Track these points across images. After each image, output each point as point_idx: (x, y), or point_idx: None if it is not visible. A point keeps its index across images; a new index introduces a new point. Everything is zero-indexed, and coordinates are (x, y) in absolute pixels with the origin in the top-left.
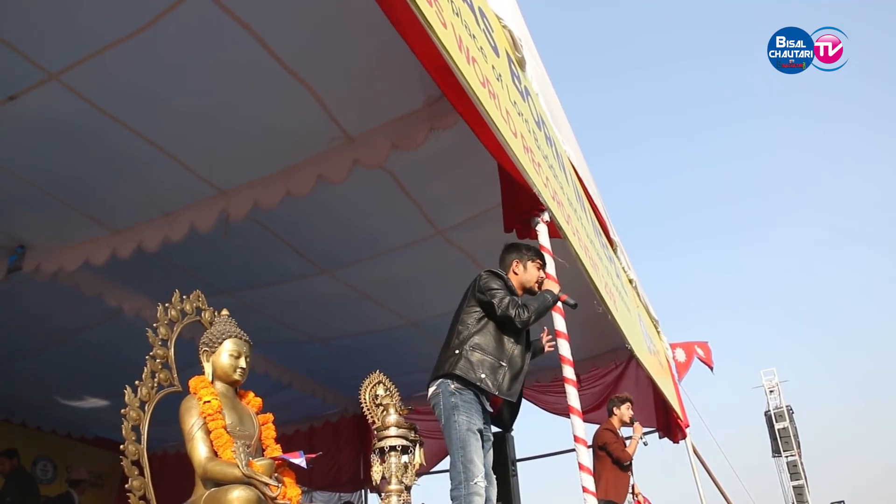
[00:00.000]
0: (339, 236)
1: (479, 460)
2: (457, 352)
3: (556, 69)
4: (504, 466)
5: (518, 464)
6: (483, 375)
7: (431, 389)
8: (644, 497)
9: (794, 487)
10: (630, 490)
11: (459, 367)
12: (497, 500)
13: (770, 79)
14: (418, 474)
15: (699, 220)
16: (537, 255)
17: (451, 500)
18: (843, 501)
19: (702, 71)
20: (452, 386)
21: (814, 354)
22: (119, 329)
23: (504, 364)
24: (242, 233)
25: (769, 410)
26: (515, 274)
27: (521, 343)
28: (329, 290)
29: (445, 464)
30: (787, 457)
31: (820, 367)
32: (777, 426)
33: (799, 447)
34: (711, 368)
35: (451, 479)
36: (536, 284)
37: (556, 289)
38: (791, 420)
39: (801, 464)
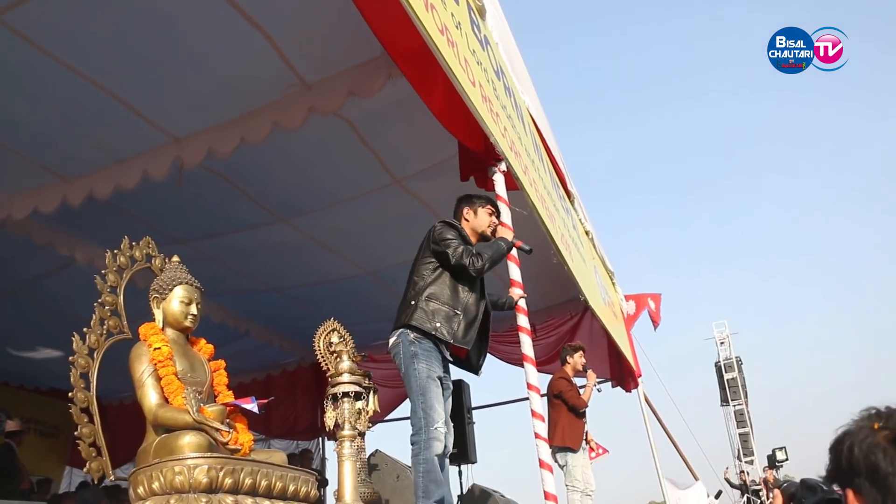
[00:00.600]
0: (296, 185)
1: (440, 407)
2: (413, 303)
3: (520, 23)
4: (460, 414)
5: (474, 412)
6: (438, 325)
7: (392, 339)
8: (597, 444)
9: (739, 435)
10: (584, 437)
11: (416, 318)
12: (453, 448)
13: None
14: (373, 421)
15: (659, 175)
16: (489, 201)
17: (412, 444)
18: (783, 447)
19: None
20: (411, 335)
21: (764, 307)
22: (72, 279)
23: (459, 312)
24: (198, 181)
25: (719, 361)
26: (467, 220)
27: (476, 291)
28: (286, 239)
29: (401, 411)
30: (734, 406)
31: (768, 320)
32: (726, 376)
33: (746, 397)
34: (656, 326)
35: (412, 425)
36: (489, 230)
37: (509, 235)
38: (740, 371)
39: (748, 412)
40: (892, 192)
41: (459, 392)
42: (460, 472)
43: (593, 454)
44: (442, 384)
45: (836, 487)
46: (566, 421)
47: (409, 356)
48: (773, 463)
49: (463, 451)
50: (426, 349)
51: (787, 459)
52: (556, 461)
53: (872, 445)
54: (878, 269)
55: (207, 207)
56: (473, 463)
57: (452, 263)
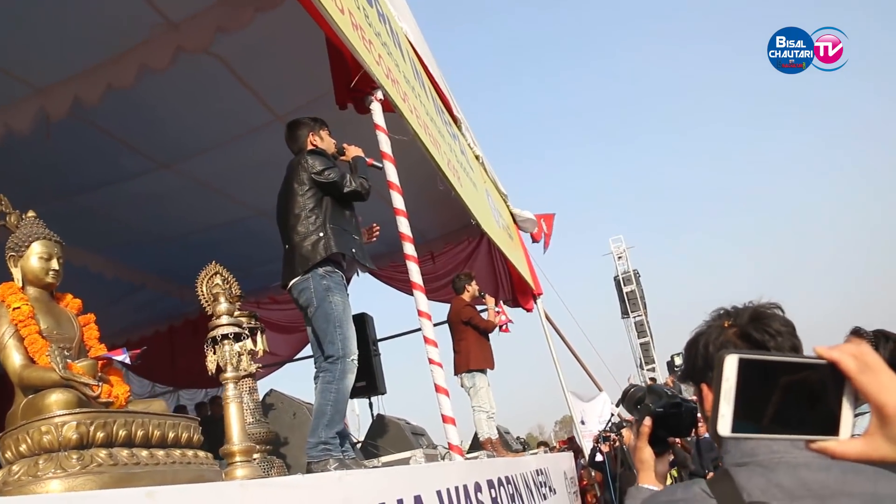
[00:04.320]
0: (176, 129)
1: (354, 340)
2: (313, 238)
3: None
4: (366, 347)
5: (379, 344)
6: (353, 249)
7: (296, 280)
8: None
9: (640, 344)
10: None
11: (324, 249)
12: (360, 380)
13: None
14: (265, 364)
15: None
16: (323, 123)
17: (322, 372)
18: (681, 353)
19: None
20: (321, 270)
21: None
22: None
23: (357, 237)
24: (70, 133)
25: (618, 275)
26: (315, 146)
27: (355, 213)
28: (172, 186)
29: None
30: (634, 317)
31: (661, 233)
32: (625, 289)
33: (645, 308)
34: (545, 248)
35: (326, 357)
36: (336, 151)
37: (361, 153)
38: (638, 283)
39: (647, 323)
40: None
41: (364, 325)
42: (371, 404)
43: (504, 320)
44: None
45: (689, 386)
46: (475, 345)
47: (323, 290)
48: (672, 369)
49: (371, 384)
50: (337, 282)
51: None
52: (463, 385)
53: (724, 341)
54: (758, 175)
55: (85, 159)
56: (383, 394)
57: (345, 191)
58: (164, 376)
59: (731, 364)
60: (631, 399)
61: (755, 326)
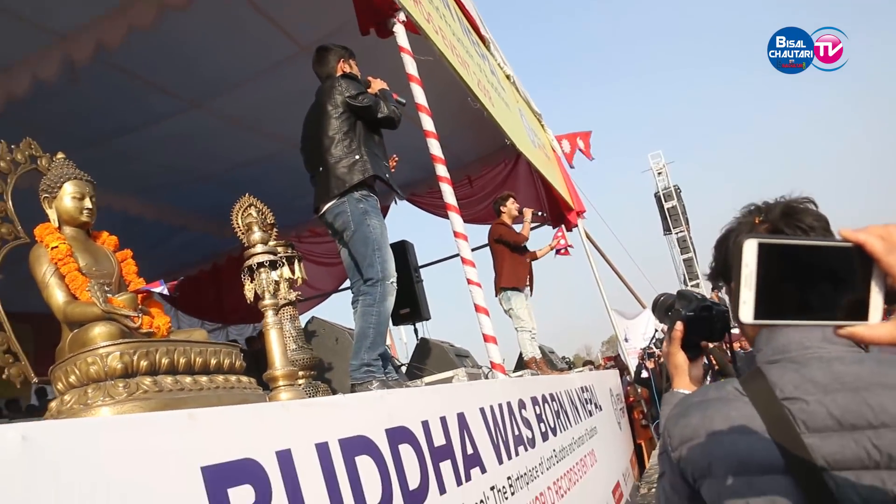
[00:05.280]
0: (201, 67)
1: (393, 261)
2: (352, 160)
3: None
4: (408, 274)
5: (421, 270)
6: (387, 175)
7: (331, 203)
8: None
9: (684, 260)
10: (527, 277)
11: (361, 171)
12: (404, 307)
13: None
14: (308, 297)
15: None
16: (352, 53)
17: (362, 295)
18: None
19: None
20: (357, 194)
21: (697, 134)
22: None
23: (386, 164)
24: (98, 78)
25: (658, 191)
26: (344, 72)
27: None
28: (203, 125)
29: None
30: (676, 233)
31: (703, 147)
32: (666, 205)
33: (687, 223)
34: (591, 159)
35: (365, 281)
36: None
37: (386, 87)
38: (679, 199)
39: (690, 238)
40: None
41: (405, 252)
42: (416, 331)
43: (564, 244)
44: None
45: (720, 285)
46: (508, 262)
47: (360, 213)
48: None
49: (415, 310)
50: (373, 206)
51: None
52: (503, 307)
53: None
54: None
55: (115, 104)
56: (427, 320)
57: (379, 116)
58: (212, 314)
59: (750, 249)
60: (661, 306)
61: (787, 222)
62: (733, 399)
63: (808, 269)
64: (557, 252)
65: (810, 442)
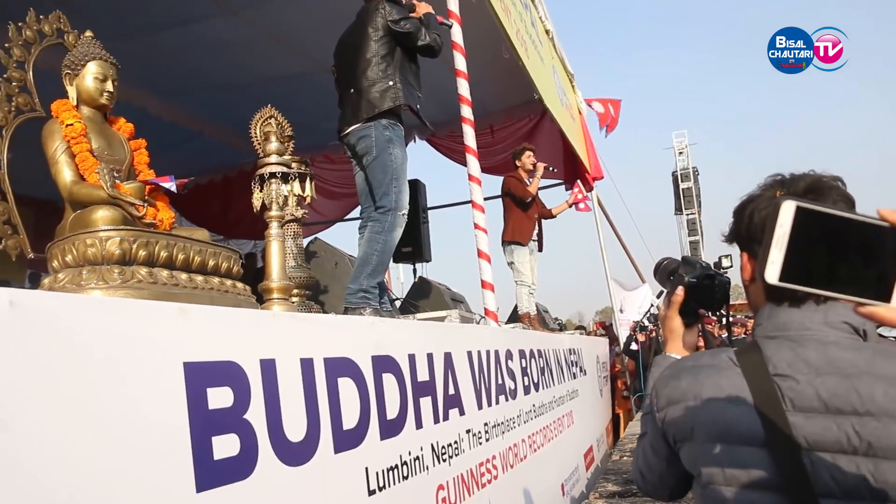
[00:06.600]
0: None
1: (408, 194)
2: (385, 85)
3: None
4: (416, 213)
5: (429, 212)
6: (418, 105)
7: (356, 126)
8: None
9: (690, 242)
10: (532, 233)
11: (392, 98)
12: (407, 246)
13: None
14: (311, 222)
15: None
16: None
17: (372, 221)
18: (729, 255)
19: None
20: (385, 121)
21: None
22: None
23: (420, 95)
24: None
25: (676, 171)
26: None
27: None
28: (237, 33)
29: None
30: (687, 215)
31: (726, 134)
32: (682, 185)
33: (700, 206)
34: (609, 132)
35: (377, 208)
36: (406, 8)
37: (431, 10)
38: (696, 181)
39: (700, 221)
40: None
41: (416, 190)
42: (415, 271)
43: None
44: None
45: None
46: (515, 217)
47: (385, 140)
48: (717, 268)
49: (418, 250)
50: (398, 135)
51: (731, 266)
52: (505, 258)
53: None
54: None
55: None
56: (428, 261)
57: (420, 44)
58: (215, 224)
59: (787, 210)
60: (664, 270)
61: (810, 198)
62: (725, 368)
63: (839, 241)
64: (577, 207)
65: (794, 420)
